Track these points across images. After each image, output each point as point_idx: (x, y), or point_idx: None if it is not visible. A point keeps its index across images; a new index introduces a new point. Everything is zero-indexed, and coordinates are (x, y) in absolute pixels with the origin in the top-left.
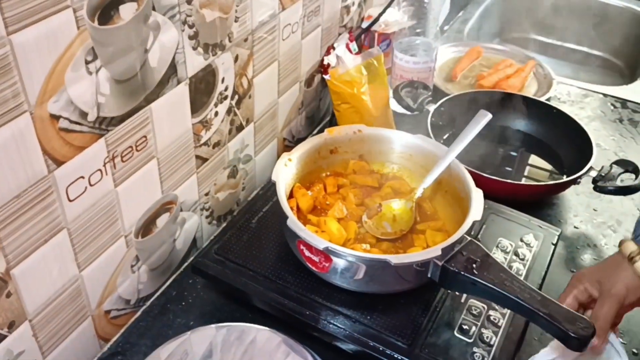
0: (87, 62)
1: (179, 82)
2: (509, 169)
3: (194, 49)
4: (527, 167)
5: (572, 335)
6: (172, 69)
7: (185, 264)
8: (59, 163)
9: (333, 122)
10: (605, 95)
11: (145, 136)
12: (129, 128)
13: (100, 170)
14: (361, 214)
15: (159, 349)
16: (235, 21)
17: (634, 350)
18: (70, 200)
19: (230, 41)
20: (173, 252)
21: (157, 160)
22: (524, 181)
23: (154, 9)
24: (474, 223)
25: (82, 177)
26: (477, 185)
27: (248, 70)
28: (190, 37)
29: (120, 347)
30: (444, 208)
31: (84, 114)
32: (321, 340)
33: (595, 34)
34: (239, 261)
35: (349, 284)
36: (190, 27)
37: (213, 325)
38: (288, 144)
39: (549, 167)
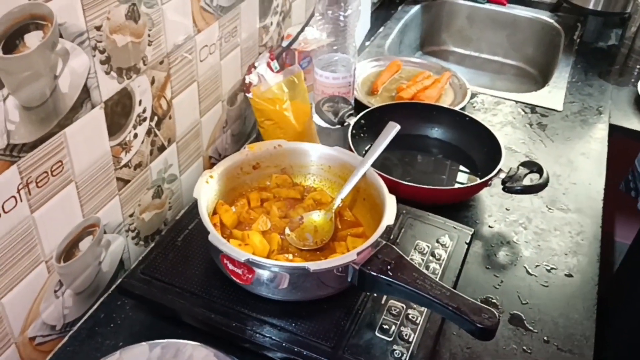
0: None
1: (93, 107)
2: (431, 174)
3: (107, 73)
4: (446, 172)
5: (478, 325)
6: (85, 93)
7: (113, 286)
8: None
9: (259, 139)
10: (516, 102)
11: (60, 161)
12: (42, 154)
13: (14, 197)
14: (285, 226)
15: None
16: (149, 45)
17: (545, 338)
18: None
19: (145, 64)
20: (99, 275)
21: (76, 184)
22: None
23: (61, 36)
24: (387, 227)
25: None
26: (398, 192)
27: (166, 92)
28: (102, 62)
29: None
30: (363, 215)
31: None
32: (250, 350)
33: (508, 44)
34: (165, 279)
35: (273, 294)
36: (102, 52)
37: (144, 343)
38: (214, 162)
39: (465, 171)
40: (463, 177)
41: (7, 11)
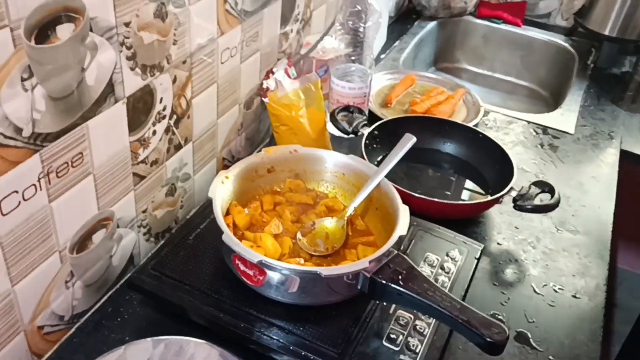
0: (22, 80)
1: (116, 101)
2: (440, 189)
3: (132, 69)
4: (456, 187)
5: (488, 339)
6: (110, 88)
7: (122, 281)
8: None
9: (272, 144)
10: (528, 122)
11: (81, 153)
12: (64, 144)
13: (34, 185)
14: (297, 230)
15: None
16: (174, 44)
17: (551, 357)
18: (3, 215)
19: (168, 63)
20: (109, 269)
21: (94, 177)
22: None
23: (91, 30)
24: (400, 237)
25: (16, 192)
26: (409, 204)
27: (187, 92)
28: (128, 58)
29: None
30: (375, 224)
31: (18, 130)
32: (257, 352)
33: (522, 65)
34: (175, 276)
35: (282, 297)
36: (128, 48)
37: (149, 339)
38: (227, 164)
39: (476, 187)
40: (471, 193)
41: (42, 2)
